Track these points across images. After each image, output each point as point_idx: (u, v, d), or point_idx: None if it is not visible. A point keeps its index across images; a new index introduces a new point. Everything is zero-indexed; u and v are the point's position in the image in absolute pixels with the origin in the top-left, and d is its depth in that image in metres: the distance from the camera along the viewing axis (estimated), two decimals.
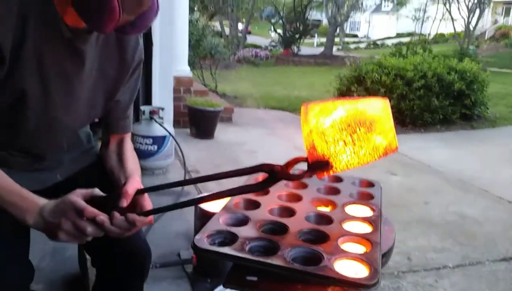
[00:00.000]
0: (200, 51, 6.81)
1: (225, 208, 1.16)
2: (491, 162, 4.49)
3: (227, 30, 21.92)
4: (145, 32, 2.75)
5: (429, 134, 5.59)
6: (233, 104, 6.76)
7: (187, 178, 3.08)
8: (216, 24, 20.71)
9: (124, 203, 0.90)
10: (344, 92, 5.83)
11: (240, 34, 21.87)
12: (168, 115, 3.33)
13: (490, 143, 5.35)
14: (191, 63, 6.87)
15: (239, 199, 1.21)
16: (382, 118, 0.69)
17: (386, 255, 1.16)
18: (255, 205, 1.18)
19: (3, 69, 0.84)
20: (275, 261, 0.90)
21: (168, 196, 2.85)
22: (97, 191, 0.89)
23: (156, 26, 3.73)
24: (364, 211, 1.23)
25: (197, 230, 2.01)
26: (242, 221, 1.09)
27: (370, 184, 1.43)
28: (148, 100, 3.47)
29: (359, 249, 1.01)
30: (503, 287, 2.14)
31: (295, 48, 20.20)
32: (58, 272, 1.93)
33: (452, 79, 5.71)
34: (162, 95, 3.49)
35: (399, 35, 31.84)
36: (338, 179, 1.43)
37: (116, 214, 0.86)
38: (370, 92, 5.58)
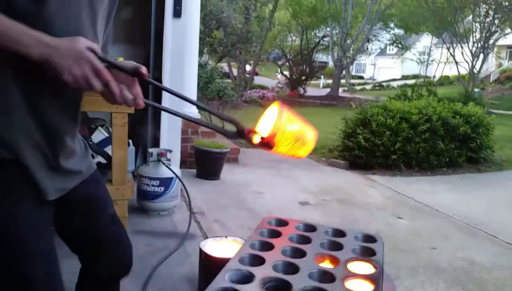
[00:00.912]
0: (208, 93, 6.97)
1: (231, 263, 1.18)
2: (499, 206, 4.46)
3: (235, 71, 22.42)
4: (155, 76, 2.91)
5: (436, 177, 5.58)
6: (239, 144, 6.84)
7: (192, 220, 3.10)
8: (224, 66, 21.24)
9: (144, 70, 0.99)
10: (350, 134, 5.88)
11: (247, 75, 22.34)
12: (175, 157, 3.38)
13: (498, 187, 5.32)
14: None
15: (245, 253, 1.23)
16: (310, 142, 1.05)
17: None
18: (260, 260, 1.20)
19: None
20: None
21: (175, 238, 2.85)
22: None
23: (166, 71, 3.86)
24: (366, 268, 1.24)
25: (201, 276, 2.01)
26: (247, 278, 1.11)
27: (373, 239, 1.44)
28: (156, 143, 3.54)
29: None
30: None
31: (301, 90, 20.54)
32: None
33: (457, 123, 5.76)
34: (170, 138, 3.55)
35: (404, 77, 32.32)
36: (342, 233, 1.44)
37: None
38: (375, 134, 5.63)
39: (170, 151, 3.27)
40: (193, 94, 4.96)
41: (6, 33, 0.86)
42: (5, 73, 0.93)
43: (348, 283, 1.11)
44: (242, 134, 1.05)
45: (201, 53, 10.55)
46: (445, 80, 27.39)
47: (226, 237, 2.13)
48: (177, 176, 3.15)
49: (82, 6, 1.01)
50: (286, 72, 23.21)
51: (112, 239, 1.28)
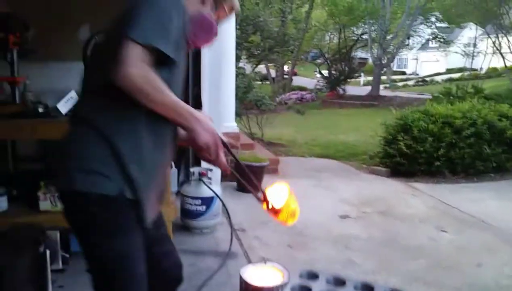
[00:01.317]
0: (247, 102, 7.08)
1: None
2: None
3: (273, 72, 22.47)
4: (194, 94, 3.19)
5: (482, 184, 5.39)
6: (279, 153, 6.91)
7: (233, 237, 3.19)
8: (262, 67, 21.34)
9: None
10: (391, 141, 5.78)
11: (286, 76, 22.33)
12: (216, 176, 3.49)
13: None
14: (238, 113, 7.15)
15: None
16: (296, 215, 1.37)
17: None
18: None
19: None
20: None
21: (215, 257, 2.96)
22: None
23: (205, 88, 3.99)
24: None
25: None
26: None
27: None
28: (197, 161, 3.66)
29: None
30: None
31: (340, 90, 20.28)
32: None
33: (504, 126, 5.54)
34: None
35: (449, 71, 31.11)
36: (370, 288, 1.49)
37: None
38: (417, 141, 5.51)
39: (211, 170, 3.38)
40: (231, 107, 5.07)
41: (174, 108, 1.16)
42: (139, 119, 1.20)
43: None
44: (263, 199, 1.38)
45: (238, 58, 10.68)
46: (492, 73, 26.11)
47: (265, 262, 2.20)
48: (217, 196, 3.26)
49: (182, 71, 1.34)
50: (325, 72, 22.99)
51: (170, 257, 1.49)
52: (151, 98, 1.12)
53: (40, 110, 2.51)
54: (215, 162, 1.30)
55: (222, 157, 1.29)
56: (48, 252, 2.11)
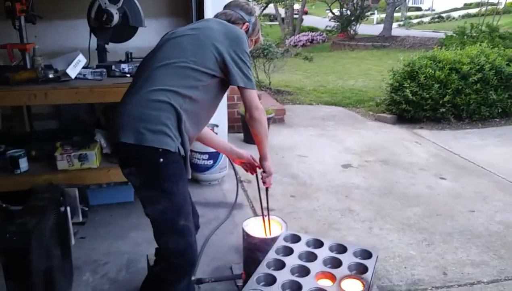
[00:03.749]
0: (253, 51, 7.05)
1: (249, 283, 1.51)
2: None
3: (282, 12, 21.78)
4: None
5: (487, 129, 5.46)
6: (286, 101, 6.98)
7: (239, 189, 3.40)
8: (271, 8, 20.68)
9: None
10: (397, 88, 5.79)
11: (296, 15, 21.66)
12: (222, 131, 3.62)
13: None
14: None
15: (261, 273, 1.59)
16: None
17: None
18: (272, 279, 1.53)
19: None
20: None
21: (223, 208, 3.19)
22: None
23: None
24: (356, 286, 1.47)
25: (244, 250, 2.31)
26: None
27: (368, 255, 1.65)
28: None
29: None
30: None
31: (351, 31, 19.72)
32: (133, 282, 2.32)
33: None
34: (217, 112, 3.77)
35: (466, 6, 29.82)
36: (343, 249, 1.67)
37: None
38: (423, 87, 5.52)
39: (217, 126, 3.52)
40: None
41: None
42: (197, 113, 1.70)
43: None
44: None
45: None
46: (511, 7, 24.99)
47: (266, 216, 2.39)
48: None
49: None
50: (336, 10, 22.22)
51: (193, 207, 1.87)
52: (263, 131, 1.78)
53: (51, 76, 2.63)
54: (267, 182, 2.01)
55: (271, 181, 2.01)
56: (68, 208, 2.33)
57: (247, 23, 1.87)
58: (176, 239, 1.64)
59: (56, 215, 2.00)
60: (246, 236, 2.24)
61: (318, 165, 4.18)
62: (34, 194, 2.05)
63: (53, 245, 1.90)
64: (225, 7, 1.93)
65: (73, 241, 2.48)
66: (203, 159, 3.46)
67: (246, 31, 1.85)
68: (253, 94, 1.69)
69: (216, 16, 1.90)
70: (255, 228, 2.28)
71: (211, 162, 3.46)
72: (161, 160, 1.53)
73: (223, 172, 3.59)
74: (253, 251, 2.14)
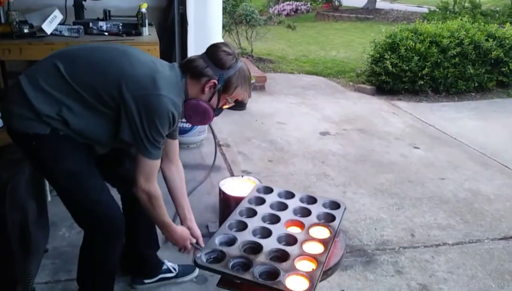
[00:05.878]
0: (236, 17, 6.95)
1: (222, 229, 1.59)
2: None
3: None
4: (180, 11, 3.31)
5: (463, 103, 5.58)
6: (268, 69, 6.95)
7: (218, 153, 3.43)
8: None
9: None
10: (378, 59, 5.82)
11: None
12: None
13: None
14: (227, 30, 7.05)
15: (233, 220, 1.65)
16: None
17: (332, 268, 1.51)
18: (244, 225, 1.59)
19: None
20: (246, 276, 1.32)
21: (201, 170, 3.22)
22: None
23: (190, 2, 3.93)
24: (323, 232, 1.55)
25: (221, 209, 2.36)
26: (232, 241, 1.48)
27: (336, 206, 1.71)
28: None
29: (309, 266, 1.36)
30: (495, 265, 2.35)
31: (336, 2, 19.50)
32: None
33: (490, 46, 5.58)
34: None
35: None
36: (314, 200, 1.73)
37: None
38: (403, 59, 5.56)
39: None
40: (218, 22, 5.00)
41: (164, 227, 1.73)
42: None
43: (306, 246, 1.44)
44: None
45: None
46: None
47: (242, 176, 2.44)
48: None
49: None
50: None
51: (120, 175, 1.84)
52: (154, 211, 1.64)
53: (26, 31, 2.55)
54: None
55: (187, 247, 1.79)
56: None
57: (213, 80, 1.55)
58: (87, 217, 1.65)
59: (31, 168, 1.99)
60: (222, 194, 2.29)
61: (297, 132, 4.23)
62: (8, 147, 2.03)
63: (28, 199, 1.89)
64: (206, 50, 1.61)
65: (49, 198, 2.47)
66: (182, 121, 3.45)
67: (213, 87, 1.56)
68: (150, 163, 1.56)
69: (182, 64, 1.62)
70: (232, 187, 2.33)
71: (189, 125, 3.46)
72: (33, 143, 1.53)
73: (201, 135, 3.60)
74: (229, 209, 2.20)
